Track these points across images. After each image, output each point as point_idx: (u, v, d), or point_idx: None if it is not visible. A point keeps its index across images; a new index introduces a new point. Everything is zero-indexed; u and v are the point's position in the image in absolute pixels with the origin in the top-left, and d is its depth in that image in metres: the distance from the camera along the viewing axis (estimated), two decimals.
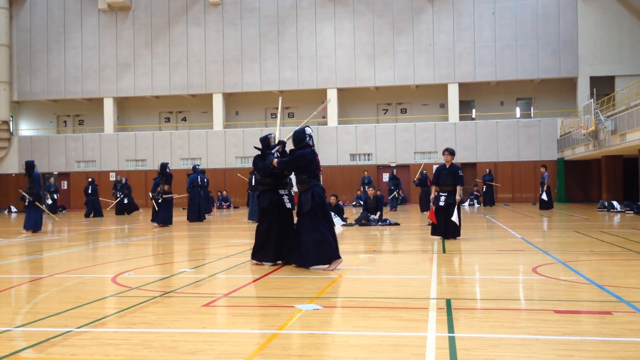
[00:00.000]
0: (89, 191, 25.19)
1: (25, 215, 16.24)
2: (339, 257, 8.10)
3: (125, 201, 26.57)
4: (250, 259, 8.83)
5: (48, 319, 5.23)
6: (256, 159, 8.89)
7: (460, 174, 11.93)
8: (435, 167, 14.03)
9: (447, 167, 11.96)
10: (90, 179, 26.31)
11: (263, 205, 8.66)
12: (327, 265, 8.00)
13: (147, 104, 37.19)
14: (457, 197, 11.74)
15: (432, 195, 12.20)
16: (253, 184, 19.14)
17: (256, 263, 8.66)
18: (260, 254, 8.67)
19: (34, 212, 16.02)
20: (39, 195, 16.26)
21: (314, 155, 8.27)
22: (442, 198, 11.82)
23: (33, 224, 15.96)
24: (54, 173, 34.46)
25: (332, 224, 8.25)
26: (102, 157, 35.68)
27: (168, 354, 4.12)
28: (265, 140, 8.92)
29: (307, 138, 8.28)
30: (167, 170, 18.43)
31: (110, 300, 6.19)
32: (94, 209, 25.05)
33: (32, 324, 5.09)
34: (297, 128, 8.47)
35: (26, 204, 16.15)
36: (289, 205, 8.69)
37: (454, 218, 11.67)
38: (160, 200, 17.83)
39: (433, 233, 12.11)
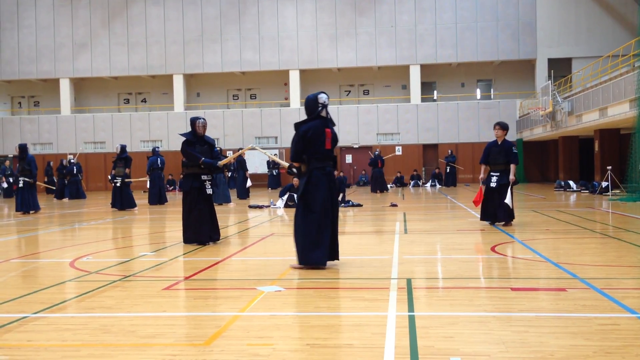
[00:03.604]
0: (74, 172, 25.06)
1: (18, 197, 16.55)
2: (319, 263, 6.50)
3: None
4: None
5: (3, 305, 5.11)
6: (184, 145, 9.03)
7: (515, 150, 10.68)
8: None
9: (499, 143, 10.70)
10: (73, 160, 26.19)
11: (184, 189, 9.02)
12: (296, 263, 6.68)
13: (105, 85, 36.38)
14: (512, 177, 10.51)
15: (481, 175, 10.99)
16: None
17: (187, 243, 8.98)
18: (186, 234, 8.97)
19: (29, 193, 16.48)
20: (35, 176, 16.79)
21: (321, 128, 6.66)
22: (494, 178, 10.56)
23: (33, 204, 16.51)
24: (9, 156, 33.50)
25: (322, 222, 6.52)
26: (59, 139, 34.84)
27: (127, 338, 4.07)
28: (192, 124, 9.10)
29: (320, 108, 6.69)
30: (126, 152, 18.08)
31: (68, 285, 6.08)
32: (76, 191, 24.83)
33: None
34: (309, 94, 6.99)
35: (20, 185, 16.46)
36: (209, 191, 8.95)
37: (507, 200, 10.40)
38: (118, 184, 17.42)
39: (483, 218, 10.86)
